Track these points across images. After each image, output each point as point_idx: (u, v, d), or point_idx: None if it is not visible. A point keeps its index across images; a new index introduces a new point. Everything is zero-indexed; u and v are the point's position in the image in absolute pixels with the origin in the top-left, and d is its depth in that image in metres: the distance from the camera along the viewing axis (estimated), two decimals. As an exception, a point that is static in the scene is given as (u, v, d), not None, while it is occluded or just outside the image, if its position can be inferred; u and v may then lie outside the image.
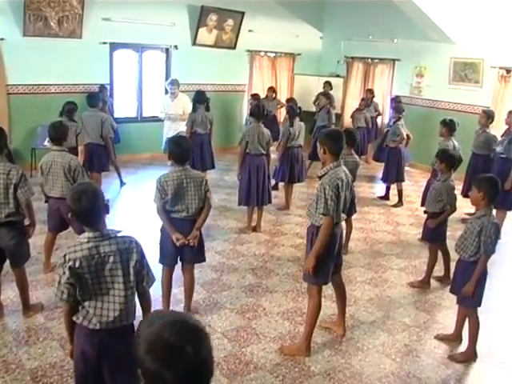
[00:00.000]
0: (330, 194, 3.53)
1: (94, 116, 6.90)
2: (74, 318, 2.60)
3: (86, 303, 2.55)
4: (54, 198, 4.75)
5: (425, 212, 5.25)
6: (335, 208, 3.57)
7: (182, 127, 7.78)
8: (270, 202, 6.57)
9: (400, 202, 7.90)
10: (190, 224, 4.07)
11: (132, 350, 2.66)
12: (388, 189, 8.21)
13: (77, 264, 2.47)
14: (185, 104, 8.03)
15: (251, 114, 6.59)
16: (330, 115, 9.26)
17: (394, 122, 7.87)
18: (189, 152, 4.11)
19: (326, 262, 3.74)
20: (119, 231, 2.63)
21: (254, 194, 6.29)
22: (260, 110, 6.33)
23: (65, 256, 2.49)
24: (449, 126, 6.38)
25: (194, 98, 7.66)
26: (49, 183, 4.71)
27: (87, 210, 2.51)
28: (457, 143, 6.28)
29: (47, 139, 7.46)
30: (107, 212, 2.63)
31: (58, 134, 4.71)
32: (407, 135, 7.89)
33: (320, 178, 3.69)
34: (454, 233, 5.77)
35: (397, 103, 9.09)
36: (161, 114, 8.17)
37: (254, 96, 9.47)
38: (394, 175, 7.83)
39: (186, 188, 3.97)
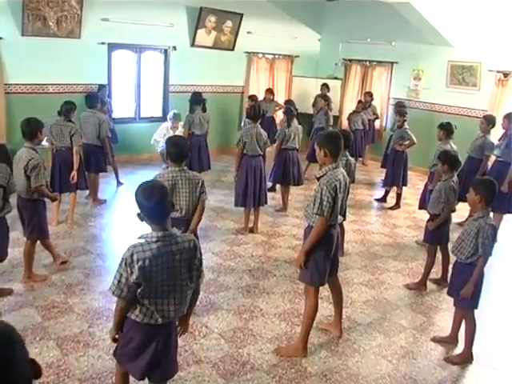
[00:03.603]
0: (327, 196, 3.54)
1: (92, 117, 6.86)
2: (133, 317, 2.62)
3: (146, 301, 2.57)
4: (18, 195, 4.60)
5: (429, 213, 5.26)
6: (330, 209, 3.57)
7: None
8: (266, 202, 6.58)
9: (397, 205, 7.91)
10: (183, 224, 4.06)
11: (174, 339, 2.78)
12: (387, 192, 8.22)
13: (146, 263, 2.49)
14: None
15: (247, 116, 6.61)
16: (328, 117, 9.28)
17: (400, 127, 7.82)
18: (186, 152, 4.11)
19: (322, 264, 3.75)
20: (180, 230, 2.67)
21: (250, 195, 6.29)
22: (256, 111, 6.36)
23: (132, 255, 2.49)
24: (446, 129, 6.38)
25: (190, 100, 7.67)
26: (15, 178, 4.41)
27: (158, 206, 2.54)
28: (455, 146, 6.29)
29: (46, 138, 7.47)
30: (173, 209, 2.64)
31: (28, 130, 4.55)
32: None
33: (318, 179, 3.69)
34: (450, 235, 5.78)
35: (399, 107, 9.08)
36: (159, 140, 8.34)
37: (252, 97, 9.48)
38: (399, 179, 7.82)
39: (180, 189, 3.98)
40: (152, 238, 2.54)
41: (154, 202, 2.53)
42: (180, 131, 8.28)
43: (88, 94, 7.59)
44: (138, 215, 2.60)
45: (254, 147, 6.24)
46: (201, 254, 2.75)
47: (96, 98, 7.23)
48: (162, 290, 2.58)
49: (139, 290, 2.54)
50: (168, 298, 2.61)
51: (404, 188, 8.01)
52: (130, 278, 2.50)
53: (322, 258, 3.73)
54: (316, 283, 3.83)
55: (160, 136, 8.30)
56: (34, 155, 4.49)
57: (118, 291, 2.54)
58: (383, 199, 8.21)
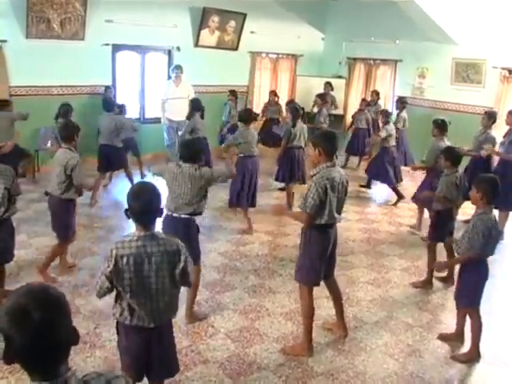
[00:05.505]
0: (313, 193, 3.53)
1: (108, 118, 7.16)
2: (122, 320, 2.71)
3: (133, 300, 2.62)
4: (48, 193, 4.85)
5: (418, 206, 5.29)
6: (315, 207, 3.55)
7: (186, 108, 8.21)
8: (255, 205, 6.61)
9: (400, 198, 7.92)
10: (184, 221, 4.07)
11: (170, 341, 2.86)
12: (370, 179, 8.46)
13: (124, 260, 2.53)
14: (189, 89, 8.83)
15: (240, 119, 6.61)
16: (325, 116, 9.34)
17: (383, 126, 7.94)
18: (198, 154, 4.14)
19: (317, 263, 3.75)
20: (165, 233, 2.72)
21: (244, 196, 6.39)
22: (247, 114, 6.50)
23: (112, 250, 2.54)
24: (440, 126, 6.38)
25: (191, 105, 7.75)
26: (51, 178, 4.82)
27: (144, 208, 2.57)
28: (449, 143, 6.27)
29: (49, 141, 7.53)
30: (161, 215, 2.70)
31: (65, 133, 4.81)
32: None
33: (313, 177, 3.70)
34: (456, 233, 5.78)
35: (402, 103, 9.17)
36: (164, 97, 8.93)
37: (232, 92, 9.66)
38: (392, 176, 7.94)
39: (181, 181, 4.01)
40: (134, 236, 2.59)
41: (141, 204, 2.57)
42: (183, 84, 8.84)
43: (104, 98, 7.84)
44: (125, 212, 2.63)
45: (250, 148, 6.31)
46: (186, 262, 2.70)
47: (112, 102, 7.61)
48: (143, 291, 2.60)
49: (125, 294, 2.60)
50: (152, 301, 2.64)
51: (408, 185, 8.04)
52: (106, 271, 2.55)
53: (317, 257, 3.73)
54: (311, 283, 3.83)
55: (165, 94, 8.86)
56: (72, 155, 4.72)
57: (98, 287, 2.63)
58: (368, 186, 8.49)
